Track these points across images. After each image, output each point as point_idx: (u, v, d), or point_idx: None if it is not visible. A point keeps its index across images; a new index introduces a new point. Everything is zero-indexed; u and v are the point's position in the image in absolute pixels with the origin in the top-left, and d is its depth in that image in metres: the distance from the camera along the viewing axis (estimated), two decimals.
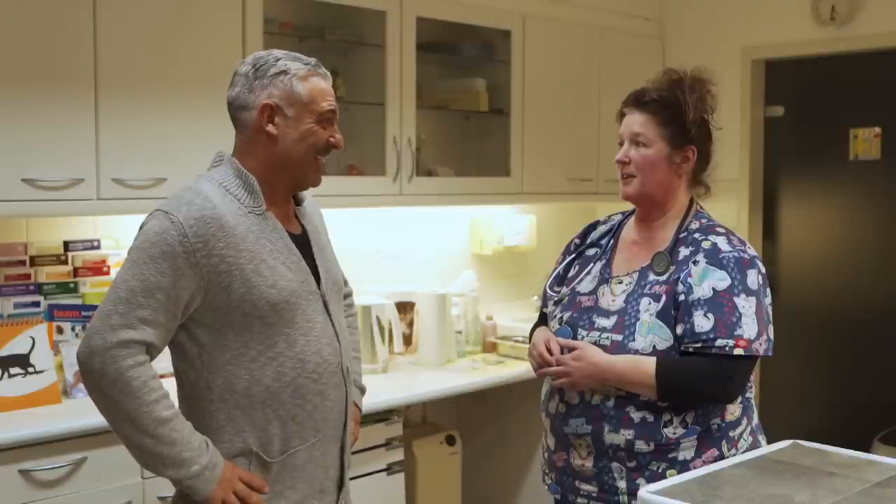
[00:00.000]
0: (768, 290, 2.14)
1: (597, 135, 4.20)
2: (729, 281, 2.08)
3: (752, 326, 2.06)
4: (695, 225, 2.21)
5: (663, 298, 2.12)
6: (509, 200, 4.09)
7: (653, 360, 2.07)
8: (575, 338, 2.19)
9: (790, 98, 4.37)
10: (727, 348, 2.04)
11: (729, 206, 4.28)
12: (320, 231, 2.12)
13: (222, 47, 2.95)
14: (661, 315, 2.10)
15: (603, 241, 2.34)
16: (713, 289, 2.08)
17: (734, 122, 4.32)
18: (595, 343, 2.15)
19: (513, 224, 4.26)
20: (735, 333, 2.04)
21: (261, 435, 1.91)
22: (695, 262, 2.12)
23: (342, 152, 3.51)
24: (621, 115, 2.26)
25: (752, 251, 2.16)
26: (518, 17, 3.89)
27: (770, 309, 2.14)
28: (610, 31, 4.30)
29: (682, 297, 2.10)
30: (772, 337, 2.11)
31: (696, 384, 2.06)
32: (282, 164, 1.95)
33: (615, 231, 2.35)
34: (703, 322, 2.06)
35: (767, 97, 4.41)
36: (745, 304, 2.07)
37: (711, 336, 2.05)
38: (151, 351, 1.85)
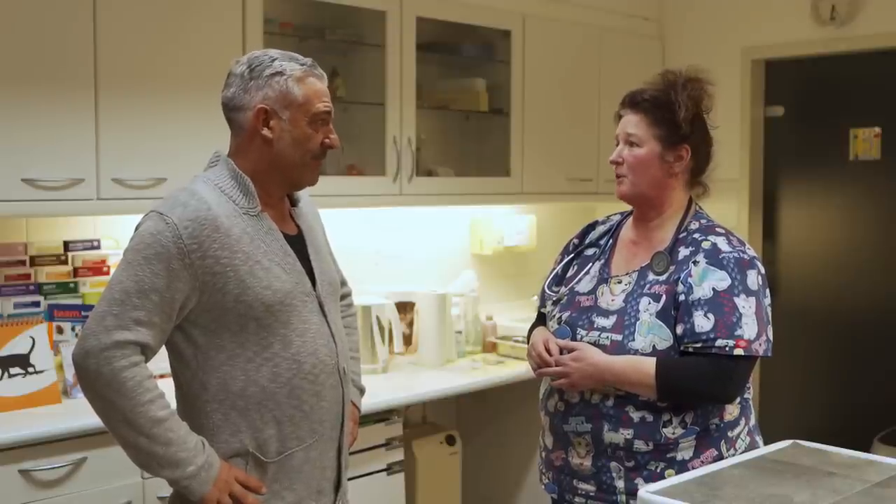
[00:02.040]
0: (768, 290, 2.14)
1: (596, 135, 4.20)
2: (729, 281, 2.08)
3: (752, 327, 2.06)
4: (694, 225, 2.21)
5: (663, 298, 2.12)
6: (509, 200, 4.09)
7: (652, 360, 2.07)
8: (574, 337, 2.19)
9: (790, 98, 4.37)
10: (727, 348, 2.04)
11: (729, 206, 4.28)
12: (316, 231, 2.12)
13: (222, 47, 2.95)
14: (660, 315, 2.10)
15: (602, 241, 2.34)
16: (713, 289, 2.08)
17: (734, 122, 4.32)
18: (594, 343, 2.15)
19: (513, 224, 4.26)
20: (735, 334, 2.04)
21: (257, 436, 1.91)
22: (695, 263, 2.12)
23: (342, 152, 3.54)
24: (618, 117, 2.26)
25: (751, 251, 2.16)
26: (518, 17, 3.89)
27: (769, 309, 2.14)
28: (610, 31, 4.30)
29: (682, 297, 2.10)
30: (771, 338, 2.11)
31: (696, 384, 2.06)
32: (277, 166, 1.95)
33: (614, 231, 2.35)
34: (703, 322, 2.06)
35: (767, 97, 4.40)
36: (745, 305, 2.07)
37: (712, 336, 2.05)
38: (146, 352, 1.85)
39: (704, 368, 2.06)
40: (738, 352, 2.04)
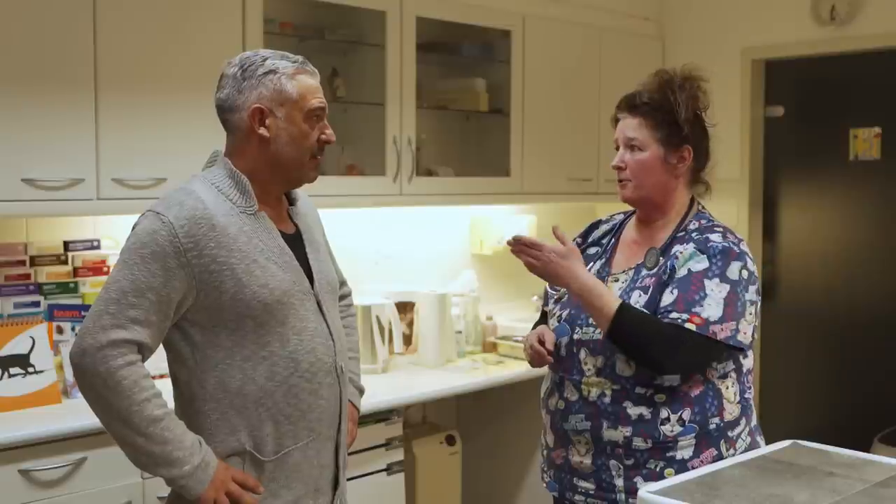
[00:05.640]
0: (753, 287, 2.11)
1: (597, 135, 4.21)
2: (706, 265, 2.08)
3: (714, 309, 2.04)
4: (693, 225, 2.21)
5: (650, 290, 2.12)
6: (509, 200, 4.09)
7: (621, 300, 2.09)
8: (572, 335, 2.20)
9: (790, 98, 4.37)
10: (679, 321, 2.03)
11: (729, 206, 4.28)
12: (314, 230, 2.12)
13: (222, 47, 2.95)
14: (648, 306, 2.11)
15: (604, 241, 2.35)
16: (689, 269, 2.09)
17: (734, 122, 4.32)
18: (589, 339, 2.16)
19: (513, 224, 4.25)
20: (692, 310, 2.04)
21: (255, 434, 1.91)
22: (682, 249, 2.13)
23: (342, 152, 3.54)
24: (615, 120, 2.26)
25: (744, 247, 2.16)
26: (518, 17, 3.89)
27: (750, 306, 2.10)
28: (610, 31, 4.30)
29: (664, 280, 2.11)
30: (743, 330, 2.08)
31: (646, 337, 2.04)
32: (275, 165, 1.95)
33: (616, 230, 2.35)
34: (667, 297, 2.07)
35: (767, 97, 4.41)
36: (716, 289, 2.06)
37: (669, 309, 2.05)
38: (143, 351, 1.85)
39: (662, 327, 2.04)
40: (690, 326, 2.02)
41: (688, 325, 2.03)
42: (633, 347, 2.08)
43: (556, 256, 2.12)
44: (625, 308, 2.07)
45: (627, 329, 2.06)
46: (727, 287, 2.07)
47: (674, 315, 2.04)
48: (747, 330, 2.10)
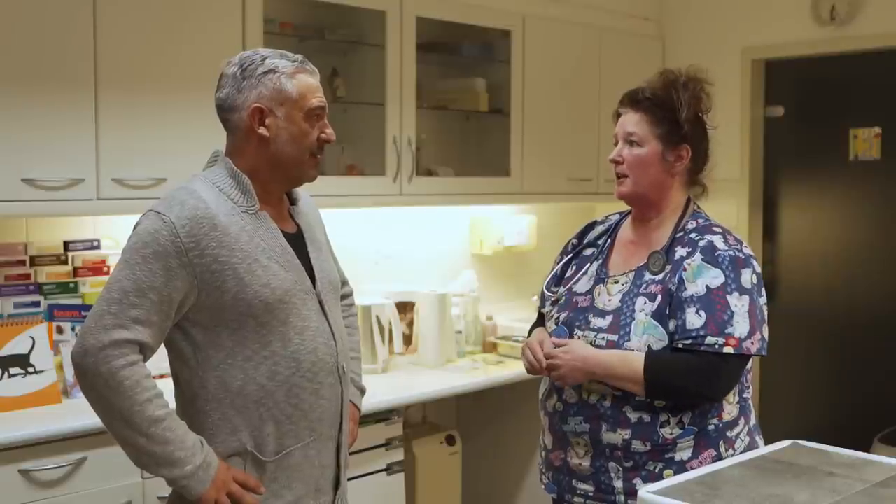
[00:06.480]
0: (763, 290, 2.13)
1: (597, 135, 4.21)
2: (723, 279, 2.08)
3: (743, 325, 2.05)
4: (691, 225, 2.21)
5: (659, 298, 2.11)
6: (509, 200, 4.09)
7: (641, 355, 2.07)
8: (571, 338, 2.19)
9: (790, 98, 4.37)
10: (717, 346, 2.04)
11: (729, 207, 4.28)
12: (316, 229, 2.12)
13: (222, 47, 2.95)
14: (656, 315, 2.10)
15: (600, 241, 2.34)
16: (707, 286, 2.08)
17: (734, 122, 4.32)
18: (590, 343, 2.15)
19: (513, 224, 4.26)
20: (725, 332, 2.04)
21: (256, 434, 1.91)
22: (690, 260, 2.12)
23: (342, 152, 3.54)
24: (617, 115, 2.26)
25: (747, 250, 2.16)
26: (518, 17, 3.89)
27: (765, 309, 2.13)
28: (610, 31, 4.30)
29: (675, 294, 2.10)
30: (766, 336, 2.11)
31: (684, 381, 2.06)
32: (276, 164, 1.95)
33: (612, 231, 2.35)
34: (694, 319, 2.06)
35: (767, 97, 4.41)
36: (738, 303, 2.06)
37: (702, 333, 2.04)
38: (145, 351, 1.85)
39: (693, 365, 2.05)
40: (728, 350, 2.04)
41: (726, 350, 2.04)
42: (674, 393, 2.08)
43: (565, 355, 2.13)
44: (649, 360, 2.06)
45: (662, 382, 2.06)
46: (747, 298, 2.07)
47: (710, 340, 2.04)
48: (766, 333, 2.12)
